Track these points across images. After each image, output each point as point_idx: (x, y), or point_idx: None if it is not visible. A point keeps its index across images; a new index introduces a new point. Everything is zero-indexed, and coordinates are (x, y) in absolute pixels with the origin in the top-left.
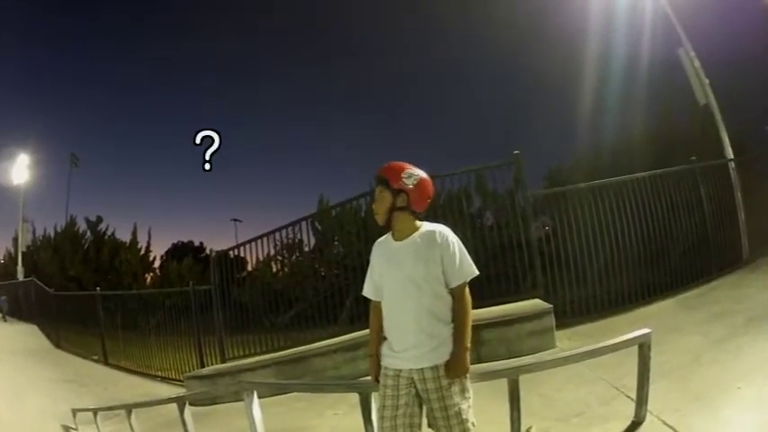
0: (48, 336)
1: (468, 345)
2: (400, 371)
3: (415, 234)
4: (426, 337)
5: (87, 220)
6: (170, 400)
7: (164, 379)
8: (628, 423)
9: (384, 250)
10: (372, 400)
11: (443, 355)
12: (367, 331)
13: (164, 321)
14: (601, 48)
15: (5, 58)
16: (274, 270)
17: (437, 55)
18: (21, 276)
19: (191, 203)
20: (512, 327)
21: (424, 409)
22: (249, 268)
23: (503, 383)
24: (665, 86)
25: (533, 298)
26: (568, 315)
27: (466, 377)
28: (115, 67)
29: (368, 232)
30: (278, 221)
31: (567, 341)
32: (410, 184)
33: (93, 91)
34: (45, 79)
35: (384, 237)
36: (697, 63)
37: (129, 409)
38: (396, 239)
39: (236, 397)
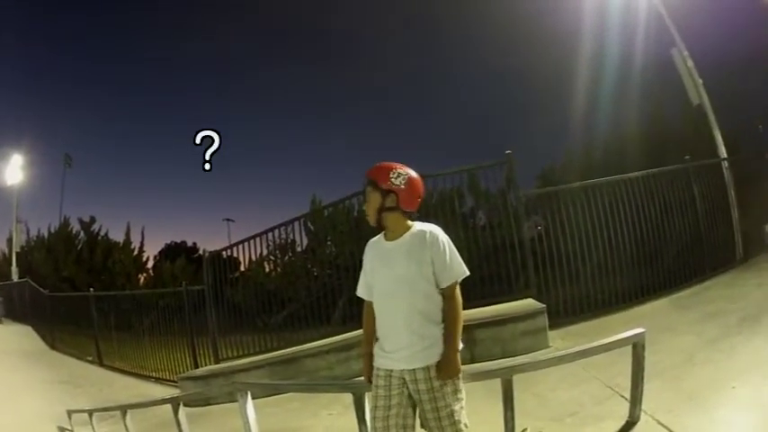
0: (42, 337)
1: (459, 346)
2: (392, 371)
3: (407, 234)
4: (418, 337)
5: (81, 221)
6: (164, 401)
7: (158, 380)
8: (622, 423)
9: (376, 250)
10: (366, 400)
11: (435, 355)
12: (360, 332)
13: (157, 322)
14: (594, 47)
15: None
16: (267, 270)
17: (435, 55)
18: (15, 277)
19: (184, 203)
20: (505, 327)
21: (418, 409)
22: (242, 268)
23: (496, 383)
24: (659, 86)
25: (526, 298)
26: (562, 315)
27: (458, 378)
28: (113, 67)
29: (360, 232)
30: (271, 221)
31: (561, 341)
32: (399, 183)
33: (89, 90)
34: (40, 79)
35: (376, 237)
36: (690, 63)
37: (124, 410)
38: (387, 240)
39: (231, 398)
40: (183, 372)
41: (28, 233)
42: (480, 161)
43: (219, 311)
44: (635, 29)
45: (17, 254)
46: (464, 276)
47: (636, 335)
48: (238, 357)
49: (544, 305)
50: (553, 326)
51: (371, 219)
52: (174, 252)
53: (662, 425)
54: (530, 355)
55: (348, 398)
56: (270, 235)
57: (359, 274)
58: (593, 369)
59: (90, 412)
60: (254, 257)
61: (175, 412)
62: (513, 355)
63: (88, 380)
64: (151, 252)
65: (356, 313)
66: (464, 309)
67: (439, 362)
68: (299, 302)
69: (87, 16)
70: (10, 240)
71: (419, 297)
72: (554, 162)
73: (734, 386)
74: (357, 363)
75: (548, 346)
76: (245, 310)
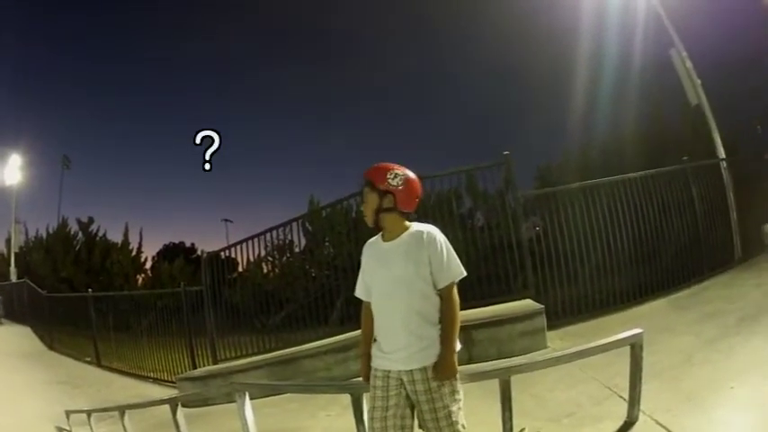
0: (41, 337)
1: (457, 347)
2: (389, 372)
3: (404, 235)
4: (415, 338)
5: (79, 222)
6: (163, 402)
7: (156, 380)
8: (620, 423)
9: (374, 251)
10: (364, 401)
11: (432, 356)
12: (358, 332)
13: (155, 323)
14: (593, 48)
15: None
16: (265, 271)
17: (434, 55)
18: (14, 278)
19: (182, 204)
20: (503, 327)
21: (416, 410)
22: (240, 269)
23: (494, 384)
24: (657, 87)
25: (524, 298)
26: (560, 315)
27: (456, 378)
28: (113, 67)
29: (358, 233)
30: (270, 222)
31: (559, 341)
32: (396, 184)
33: (88, 90)
34: (39, 79)
35: (374, 237)
36: (689, 64)
37: (122, 410)
38: (385, 240)
39: (229, 398)
40: (182, 372)
41: (26, 234)
42: (479, 161)
43: (218, 312)
44: (634, 29)
45: (16, 254)
46: (461, 277)
47: (634, 335)
48: (236, 358)
49: (542, 306)
50: (551, 326)
51: (369, 220)
52: (172, 253)
53: (660, 425)
54: (528, 355)
55: (346, 398)
56: (268, 236)
57: (357, 275)
58: (591, 370)
59: (88, 413)
60: (252, 258)
61: (174, 413)
62: (511, 356)
63: (86, 380)
64: (149, 253)
65: (354, 314)
66: (462, 309)
67: (436, 363)
68: (297, 303)
69: (87, 16)
70: (8, 241)
71: (417, 298)
72: (552, 162)
73: (732, 386)
74: (355, 363)
75: (546, 347)
76: (243, 311)
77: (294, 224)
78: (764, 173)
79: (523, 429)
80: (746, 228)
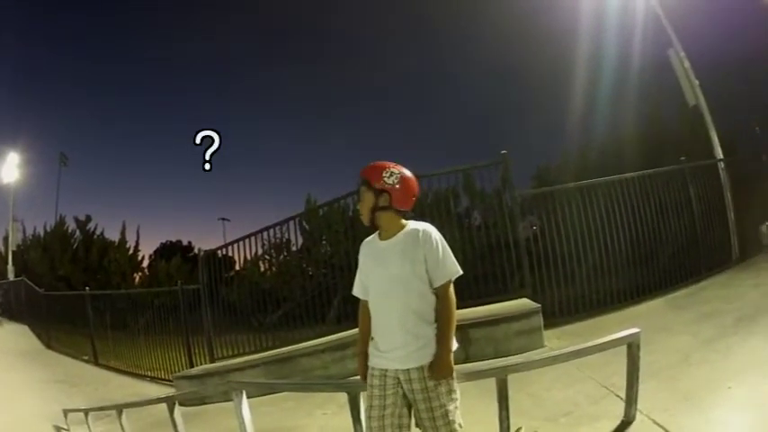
0: (38, 336)
1: (453, 346)
2: (386, 371)
3: (401, 233)
4: (412, 337)
5: (76, 220)
6: (160, 401)
7: (153, 379)
8: (617, 422)
9: (370, 249)
10: (361, 399)
11: (429, 355)
12: (355, 330)
13: (153, 321)
14: (591, 48)
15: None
16: (262, 269)
17: (434, 55)
18: (11, 276)
19: (179, 203)
20: (499, 326)
21: (413, 409)
22: (237, 268)
23: (491, 383)
24: (655, 87)
25: (521, 297)
26: (557, 314)
27: (452, 377)
28: (113, 67)
29: (355, 231)
30: (267, 221)
31: (556, 340)
32: (392, 183)
33: (86, 90)
34: (38, 78)
35: (371, 236)
36: (687, 64)
37: (119, 409)
38: (382, 239)
39: (226, 397)
40: (179, 371)
41: (24, 232)
42: (477, 161)
43: (215, 310)
44: (632, 30)
45: (13, 252)
46: (457, 275)
47: (631, 335)
48: (233, 356)
49: (539, 305)
50: (548, 325)
51: (365, 218)
52: (169, 251)
53: (658, 424)
54: (524, 354)
55: (343, 397)
56: (265, 234)
57: (354, 274)
58: (588, 369)
59: (86, 411)
60: (249, 257)
61: (171, 411)
62: (507, 355)
63: (84, 379)
64: (146, 251)
65: (351, 312)
66: (459, 308)
67: (432, 362)
68: (294, 302)
69: (87, 16)
70: (6, 239)
71: (413, 296)
72: (550, 162)
73: (730, 386)
74: (352, 362)
75: (543, 346)
76: (240, 310)
77: (291, 223)
78: (762, 173)
79: (520, 429)
80: (744, 228)
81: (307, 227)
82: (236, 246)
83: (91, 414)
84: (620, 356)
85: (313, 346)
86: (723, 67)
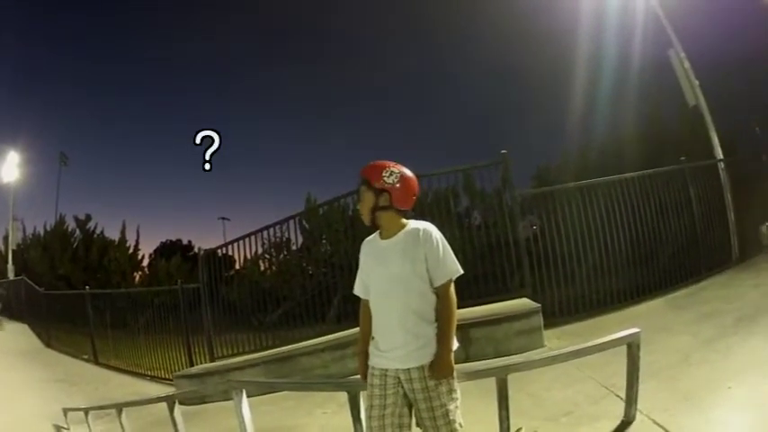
0: (38, 335)
1: (454, 345)
2: (387, 370)
3: (401, 233)
4: (412, 336)
5: (76, 219)
6: (160, 400)
7: (153, 378)
8: (617, 422)
9: (371, 249)
10: (361, 399)
11: (429, 355)
12: (355, 330)
13: (153, 320)
14: (591, 48)
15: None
16: (262, 269)
17: (434, 55)
18: (11, 275)
19: (179, 202)
20: (500, 326)
21: (413, 409)
22: (237, 267)
23: (491, 383)
24: (655, 87)
25: (521, 297)
26: (557, 314)
27: (453, 377)
28: (113, 67)
29: (355, 231)
30: (267, 221)
31: (556, 340)
32: (392, 182)
33: (87, 89)
34: (38, 77)
35: (372, 236)
36: (687, 64)
37: (119, 408)
38: (382, 238)
39: (226, 396)
40: (179, 370)
41: (24, 231)
42: (477, 161)
43: (215, 310)
44: (632, 30)
45: (13, 252)
46: (458, 275)
47: (631, 335)
48: (233, 355)
49: (539, 305)
50: (548, 325)
51: (366, 218)
52: (169, 250)
53: (658, 424)
54: (524, 354)
55: (343, 396)
56: (265, 233)
57: (354, 273)
58: (588, 369)
59: (86, 410)
60: (249, 256)
61: (171, 410)
62: (507, 355)
63: (84, 378)
64: (146, 250)
65: (351, 311)
66: (459, 308)
67: (433, 361)
68: (294, 301)
69: (87, 16)
70: (6, 238)
71: (413, 296)
72: (549, 162)
73: (730, 386)
74: (352, 361)
75: (543, 346)
76: (240, 309)
77: (291, 222)
78: (762, 173)
79: (520, 429)
80: (744, 228)
81: (307, 226)
82: (236, 245)
83: (91, 413)
84: (620, 356)
85: (313, 345)
86: (723, 67)
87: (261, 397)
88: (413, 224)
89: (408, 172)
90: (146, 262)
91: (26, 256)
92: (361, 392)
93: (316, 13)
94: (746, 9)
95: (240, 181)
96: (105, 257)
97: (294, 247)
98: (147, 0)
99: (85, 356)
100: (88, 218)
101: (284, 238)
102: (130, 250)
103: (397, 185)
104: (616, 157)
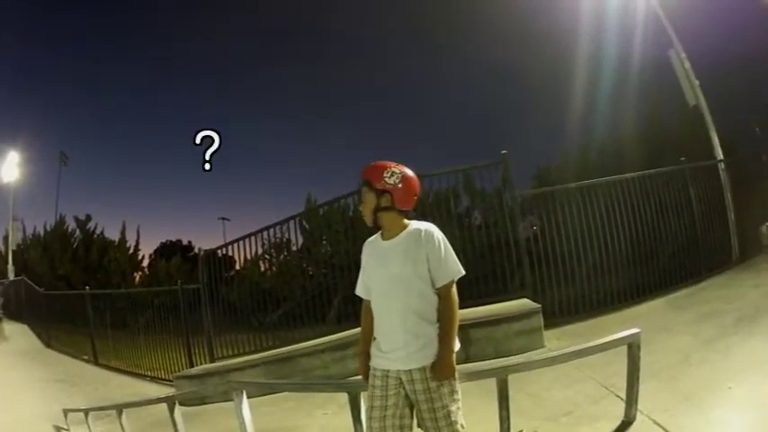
0: (38, 335)
1: (455, 346)
2: (388, 371)
3: (403, 233)
4: (413, 337)
5: (76, 219)
6: (160, 400)
7: (153, 378)
8: (617, 423)
9: (373, 249)
10: (361, 399)
11: (431, 356)
12: (355, 330)
13: (153, 321)
14: (592, 48)
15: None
16: (262, 269)
17: (434, 55)
18: (11, 275)
19: (179, 202)
20: (500, 326)
21: (414, 409)
22: (237, 267)
23: (491, 383)
24: (656, 87)
25: (521, 297)
26: (557, 315)
27: (454, 378)
28: (113, 67)
29: (356, 231)
30: (267, 221)
31: (556, 341)
32: (393, 182)
33: (87, 89)
34: (38, 77)
35: (373, 236)
36: (687, 64)
37: (119, 409)
38: (384, 239)
39: (226, 397)
40: (179, 371)
41: (24, 231)
42: (477, 161)
43: (215, 310)
44: (632, 30)
45: (13, 252)
46: (459, 276)
47: (631, 335)
48: (234, 356)
49: (539, 305)
50: (549, 326)
51: (367, 219)
52: (169, 251)
53: (658, 425)
54: (525, 354)
55: (343, 397)
56: (265, 234)
57: (354, 273)
58: (588, 369)
59: (86, 411)
60: (249, 256)
61: (171, 411)
62: (508, 355)
63: (84, 378)
64: (146, 250)
65: (351, 312)
66: (459, 308)
67: (434, 362)
68: (295, 301)
69: (87, 16)
70: (6, 238)
71: (414, 297)
72: (549, 162)
73: (730, 386)
74: (353, 362)
75: (543, 346)
76: (240, 309)
77: (291, 222)
78: (762, 173)
79: (521, 430)
80: (744, 228)
81: (307, 226)
82: (236, 245)
83: (91, 414)
84: (620, 357)
85: (313, 345)
86: (723, 67)
87: (261, 398)
88: (414, 225)
89: (410, 172)
90: (146, 262)
91: (26, 257)
92: (362, 393)
93: (316, 13)
94: (746, 9)
95: (240, 181)
96: (105, 258)
97: (294, 248)
98: (147, 0)
99: (85, 357)
100: (88, 218)
101: (284, 239)
102: (130, 251)
103: (399, 186)
104: (616, 158)
